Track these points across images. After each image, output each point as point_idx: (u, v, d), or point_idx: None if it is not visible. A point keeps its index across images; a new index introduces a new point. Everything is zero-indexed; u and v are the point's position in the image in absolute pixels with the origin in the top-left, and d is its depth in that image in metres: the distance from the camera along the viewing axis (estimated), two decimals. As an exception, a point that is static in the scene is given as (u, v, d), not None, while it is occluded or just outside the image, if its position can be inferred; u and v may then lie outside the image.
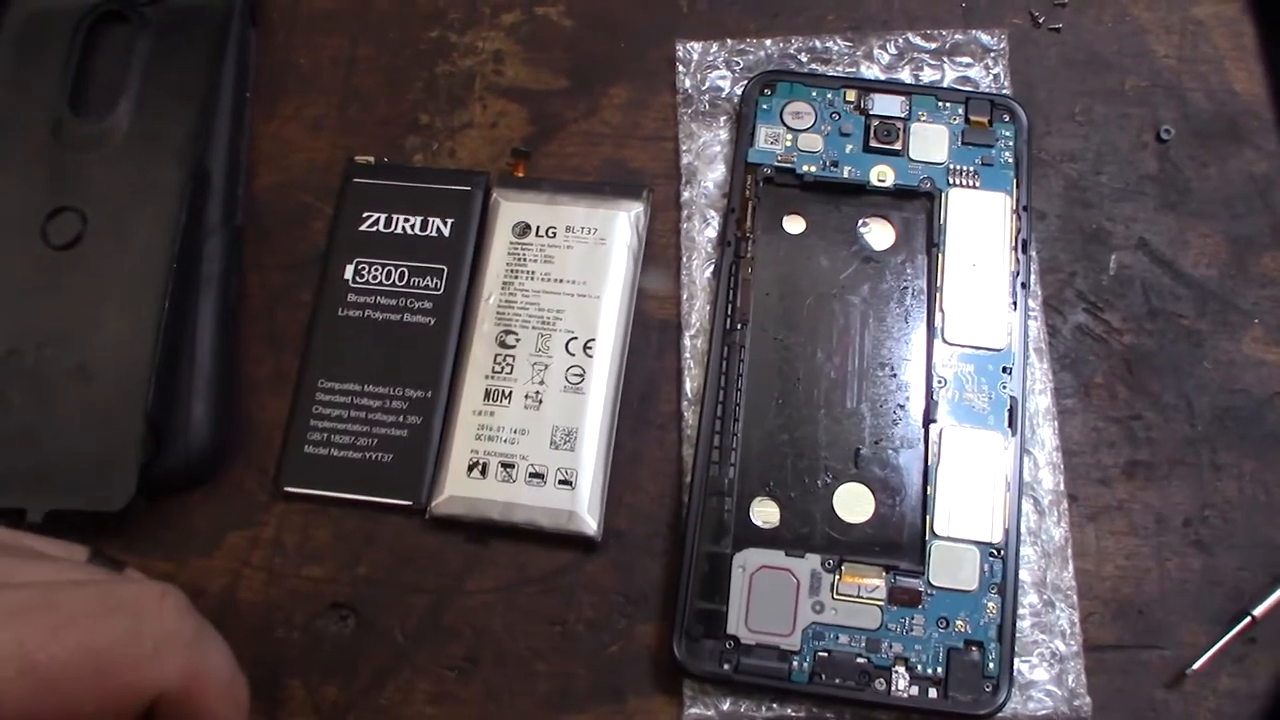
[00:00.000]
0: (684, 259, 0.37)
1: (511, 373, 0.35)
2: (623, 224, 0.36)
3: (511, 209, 0.37)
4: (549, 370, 0.35)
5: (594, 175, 0.38)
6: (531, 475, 0.34)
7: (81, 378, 0.35)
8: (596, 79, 0.39)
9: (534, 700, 0.33)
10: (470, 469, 0.34)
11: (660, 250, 0.37)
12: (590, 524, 0.34)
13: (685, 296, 0.36)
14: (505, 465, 0.34)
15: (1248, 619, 0.33)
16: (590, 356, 0.35)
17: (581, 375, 0.35)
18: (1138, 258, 0.37)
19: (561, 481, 0.34)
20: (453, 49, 0.40)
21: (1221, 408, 0.35)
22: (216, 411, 0.35)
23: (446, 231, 0.37)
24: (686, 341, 0.36)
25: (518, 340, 0.35)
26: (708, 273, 0.36)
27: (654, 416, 0.36)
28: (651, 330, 0.36)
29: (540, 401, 0.35)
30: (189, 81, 0.37)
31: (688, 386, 0.35)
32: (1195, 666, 0.32)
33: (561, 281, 0.36)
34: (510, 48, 0.39)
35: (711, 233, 0.37)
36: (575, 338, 0.35)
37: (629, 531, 0.35)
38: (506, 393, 0.35)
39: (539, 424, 0.34)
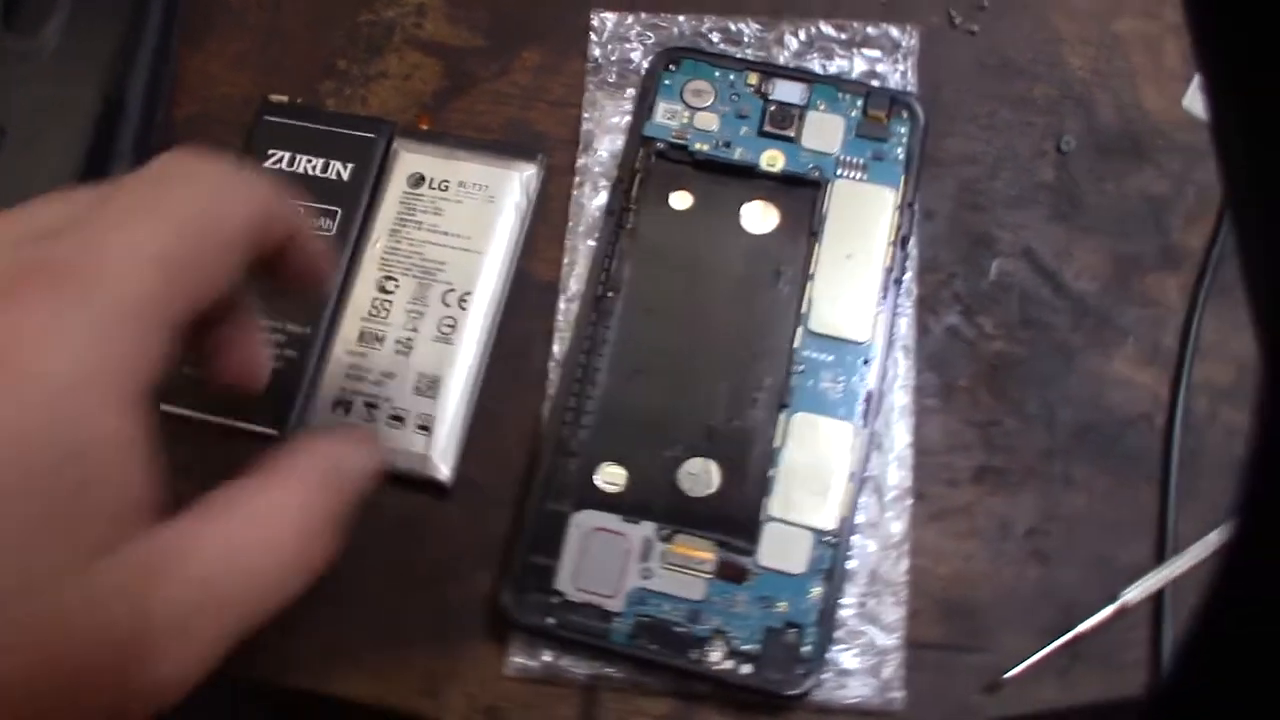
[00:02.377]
0: (570, 224, 0.37)
1: (388, 318, 0.36)
2: (514, 184, 0.37)
3: (409, 159, 0.38)
4: (423, 319, 0.36)
5: (498, 134, 0.39)
6: (392, 418, 0.35)
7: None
8: (513, 40, 0.40)
9: (370, 633, 0.34)
10: (335, 406, 0.35)
11: (551, 213, 0.38)
12: (443, 470, 0.35)
13: (567, 261, 0.37)
14: (369, 405, 0.35)
15: (1071, 633, 0.33)
16: (464, 310, 0.36)
17: (453, 326, 0.36)
18: (1020, 266, 0.37)
19: (420, 427, 0.35)
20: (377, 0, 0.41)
21: (1083, 423, 0.35)
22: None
23: (346, 176, 0.38)
24: (562, 305, 0.36)
25: (397, 286, 0.36)
26: (592, 240, 0.37)
27: (522, 375, 0.36)
28: (532, 290, 0.37)
29: (410, 348, 0.36)
30: (119, 8, 0.39)
31: (557, 349, 0.36)
32: (1012, 672, 0.33)
33: (447, 234, 0.37)
34: (434, 2, 0.40)
35: (601, 200, 0.37)
36: (453, 290, 0.36)
37: (483, 482, 0.35)
38: (380, 336, 0.36)
39: (406, 370, 0.35)
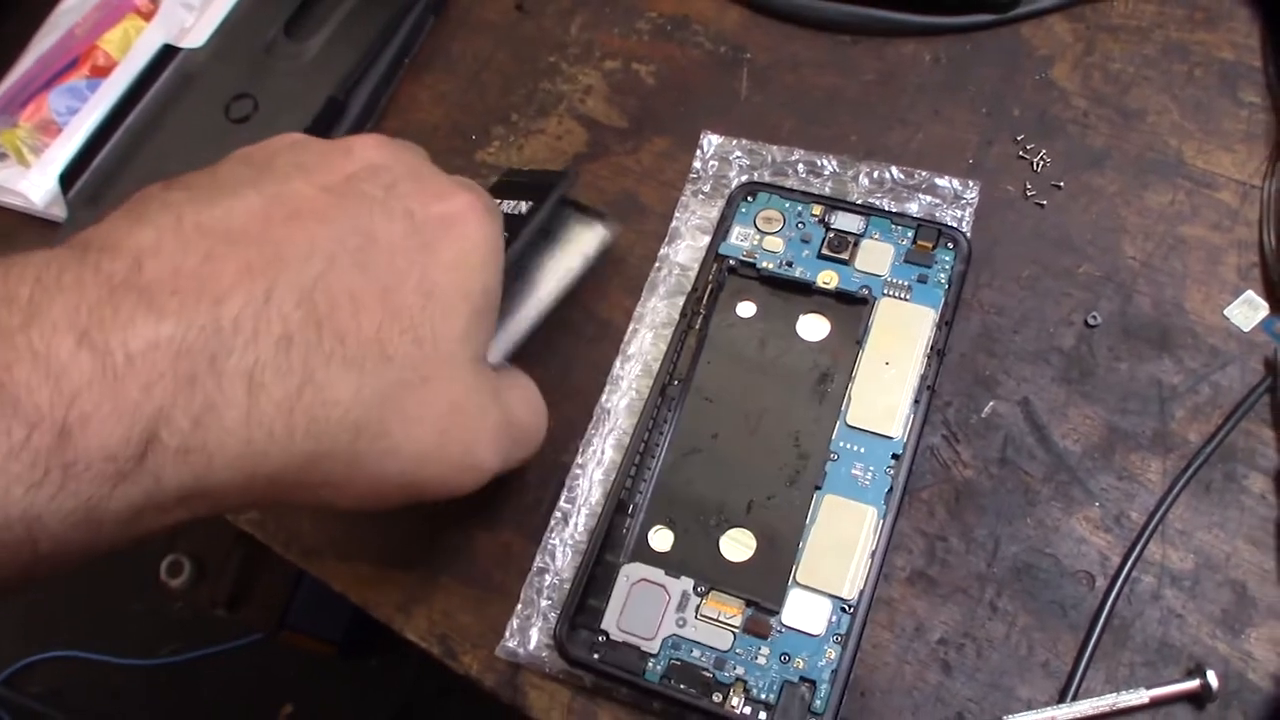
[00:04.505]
0: (643, 296, 0.44)
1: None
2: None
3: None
4: None
5: (612, 198, 0.46)
6: None
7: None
8: (648, 128, 0.48)
9: (405, 562, 0.42)
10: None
11: (631, 269, 0.45)
12: None
13: (633, 321, 0.43)
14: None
15: (945, 737, 0.35)
16: None
17: None
18: (1013, 412, 0.40)
19: None
20: (559, 74, 0.50)
21: (1024, 563, 0.38)
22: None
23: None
24: (618, 363, 0.43)
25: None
26: (659, 313, 0.43)
27: (563, 384, 0.43)
28: (593, 324, 0.44)
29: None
30: (368, 38, 0.50)
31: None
32: (880, 754, 0.35)
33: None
34: (600, 86, 0.49)
35: (673, 283, 0.44)
36: None
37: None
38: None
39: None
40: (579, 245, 0.43)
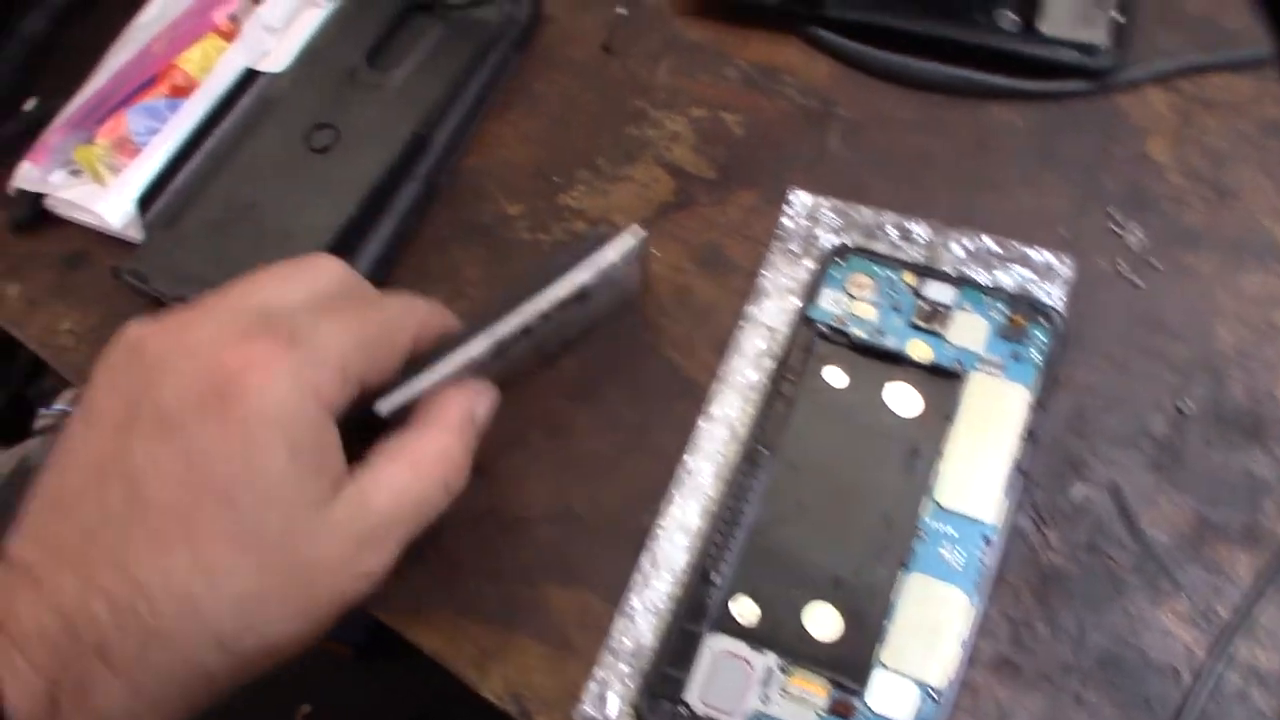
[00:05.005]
0: (726, 355, 0.43)
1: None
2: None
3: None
4: None
5: (696, 251, 0.46)
6: None
7: (286, 238, 0.47)
8: (736, 179, 0.47)
9: (483, 617, 0.41)
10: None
11: (713, 324, 0.44)
12: None
13: (716, 381, 0.43)
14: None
15: (1028, 830, 0.35)
16: None
17: None
18: (1103, 497, 0.40)
19: None
20: (645, 119, 0.49)
21: (1110, 654, 0.38)
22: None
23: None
24: (702, 424, 0.42)
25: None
26: (744, 375, 0.43)
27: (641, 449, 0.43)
28: (677, 381, 0.44)
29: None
30: (452, 73, 0.49)
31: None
32: (961, 844, 0.35)
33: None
34: (687, 133, 0.49)
35: (759, 344, 0.43)
36: None
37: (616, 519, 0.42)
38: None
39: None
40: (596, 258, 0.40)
